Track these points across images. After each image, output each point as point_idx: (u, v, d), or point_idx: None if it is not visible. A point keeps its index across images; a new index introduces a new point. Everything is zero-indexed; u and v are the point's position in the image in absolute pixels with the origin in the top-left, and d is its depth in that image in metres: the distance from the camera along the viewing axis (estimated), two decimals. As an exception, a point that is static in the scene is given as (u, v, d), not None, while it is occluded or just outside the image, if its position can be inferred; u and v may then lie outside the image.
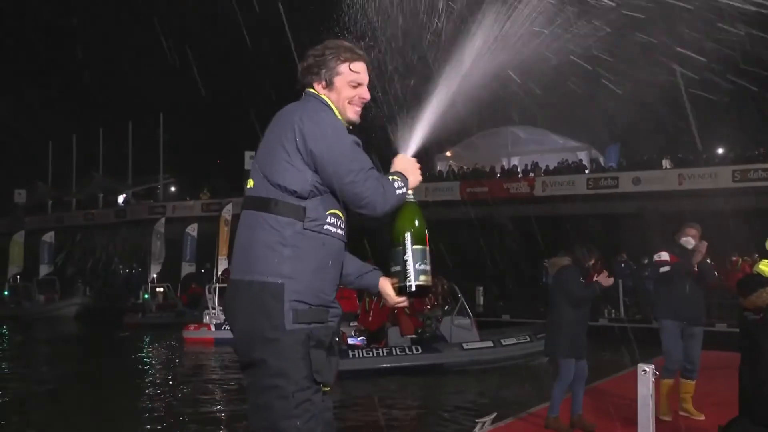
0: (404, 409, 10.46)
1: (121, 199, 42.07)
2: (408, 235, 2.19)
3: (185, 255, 25.70)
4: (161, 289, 25.26)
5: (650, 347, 12.61)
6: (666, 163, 25.78)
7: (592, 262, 6.16)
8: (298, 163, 2.03)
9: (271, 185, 2.06)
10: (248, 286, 2.04)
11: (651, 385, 3.40)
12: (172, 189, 41.57)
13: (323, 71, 2.20)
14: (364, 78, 2.25)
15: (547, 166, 28.15)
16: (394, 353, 12.29)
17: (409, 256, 2.18)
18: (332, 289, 2.14)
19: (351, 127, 2.22)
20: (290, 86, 2.42)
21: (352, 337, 13.11)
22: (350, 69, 2.20)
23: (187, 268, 25.72)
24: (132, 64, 59.65)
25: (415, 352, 12.39)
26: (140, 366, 15.57)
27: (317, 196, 2.06)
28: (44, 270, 29.93)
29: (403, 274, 2.18)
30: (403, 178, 2.20)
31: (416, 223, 2.21)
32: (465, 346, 12.65)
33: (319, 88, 2.22)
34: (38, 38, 68.44)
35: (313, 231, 2.05)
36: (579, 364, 5.90)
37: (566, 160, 28.71)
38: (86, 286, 29.51)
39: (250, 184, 2.14)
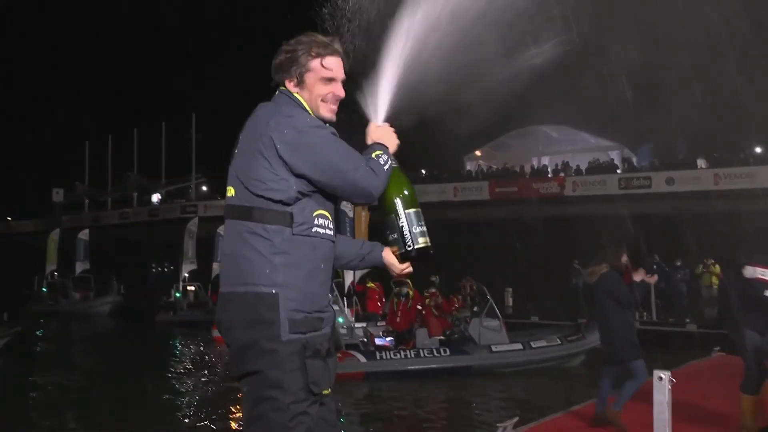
0: (429, 411, 10.41)
1: (154, 198, 42.84)
2: (399, 201, 2.19)
3: (216, 255, 26.00)
4: (192, 288, 25.58)
5: (682, 351, 12.38)
6: (701, 162, 25.23)
7: (624, 260, 6.17)
8: (280, 171, 1.97)
9: (255, 195, 1.99)
10: (242, 297, 1.99)
11: (667, 392, 3.31)
12: (204, 188, 42.15)
13: (294, 68, 2.10)
14: (339, 74, 2.14)
15: (577, 165, 27.78)
16: (422, 355, 12.22)
17: (404, 222, 2.19)
18: (326, 293, 2.10)
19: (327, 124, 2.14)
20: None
21: (379, 337, 13.09)
22: (322, 65, 2.10)
23: (218, 269, 26.00)
24: (165, 65, 60.64)
25: (443, 353, 12.30)
26: (171, 364, 15.81)
27: (302, 199, 2.01)
28: (80, 267, 30.57)
29: (402, 241, 2.19)
30: (384, 149, 2.14)
31: (404, 187, 2.20)
32: (494, 348, 12.50)
33: (290, 86, 2.13)
34: (75, 42, 70.07)
35: (303, 235, 2.01)
36: (618, 367, 6.07)
37: (597, 159, 28.30)
38: (120, 283, 30.07)
39: (231, 192, 2.07)
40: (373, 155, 2.10)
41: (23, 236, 44.93)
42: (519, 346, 12.73)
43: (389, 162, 2.12)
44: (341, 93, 2.16)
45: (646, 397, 6.44)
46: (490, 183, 28.50)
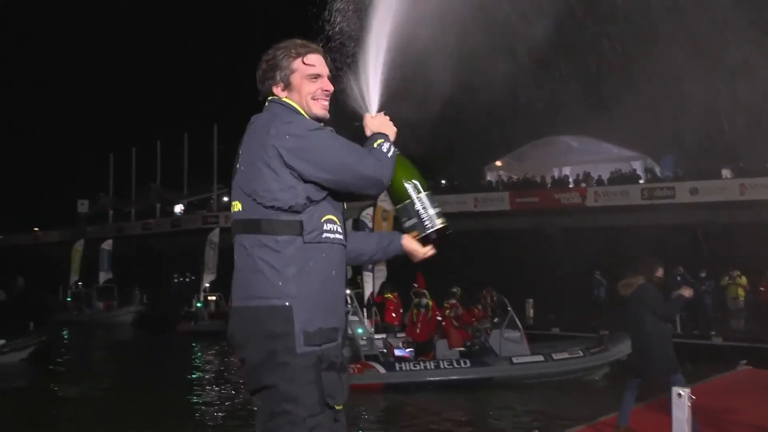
0: (449, 423, 10.34)
1: (177, 209, 43.33)
2: (411, 187, 2.21)
3: (237, 265, 26.16)
4: (213, 298, 25.74)
5: (708, 365, 12.15)
6: (726, 172, 24.85)
7: (659, 274, 6.10)
8: (287, 179, 1.97)
9: (264, 207, 1.98)
10: (253, 311, 1.97)
11: (687, 410, 3.25)
12: (225, 199, 42.56)
13: (278, 73, 2.12)
14: (322, 69, 2.16)
15: (599, 176, 27.55)
16: (442, 366, 12.15)
17: (419, 205, 2.20)
18: (340, 301, 2.08)
19: (323, 123, 2.15)
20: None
21: (399, 349, 13.05)
22: (304, 63, 2.12)
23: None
24: (187, 78, 61.55)
25: (463, 365, 12.22)
26: (191, 374, 15.91)
27: (310, 206, 2.00)
28: (103, 277, 30.97)
29: (421, 224, 2.20)
30: (384, 137, 2.16)
31: (412, 172, 2.22)
32: (515, 360, 12.38)
33: (278, 92, 2.14)
34: (99, 56, 71.44)
35: (314, 242, 2.00)
36: (642, 380, 6.01)
37: (619, 169, 28.04)
38: (143, 293, 30.38)
39: (237, 207, 2.06)
40: (375, 145, 2.11)
41: (49, 246, 45.70)
42: (540, 357, 12.60)
43: (391, 149, 2.13)
44: (330, 87, 2.17)
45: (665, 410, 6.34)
46: (511, 193, 28.36)
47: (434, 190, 2.28)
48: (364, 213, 16.16)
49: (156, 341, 23.11)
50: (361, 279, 15.38)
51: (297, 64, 2.12)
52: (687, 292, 5.95)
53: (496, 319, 13.87)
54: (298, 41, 2.16)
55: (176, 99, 57.21)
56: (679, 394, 3.20)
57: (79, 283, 31.74)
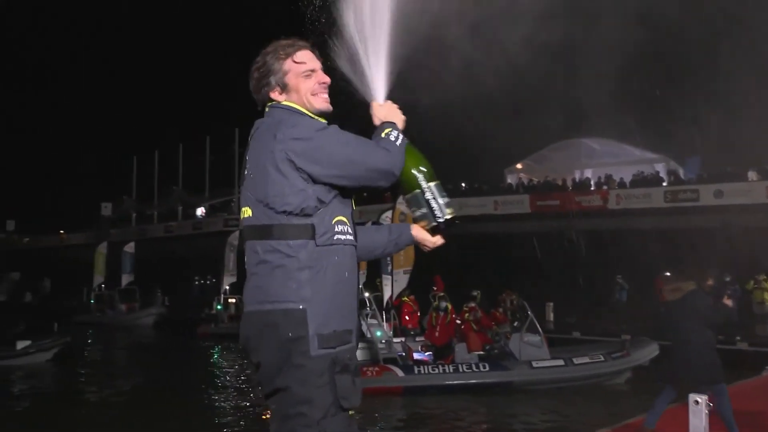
0: (467, 427, 10.28)
1: (199, 212, 43.72)
2: (420, 176, 2.20)
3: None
4: (233, 301, 25.85)
5: (733, 370, 11.93)
6: (752, 174, 24.42)
7: (710, 283, 6.02)
8: (297, 182, 1.96)
9: (275, 212, 1.98)
10: (267, 315, 1.97)
11: (704, 417, 3.17)
12: (246, 203, 42.78)
13: (272, 78, 2.11)
14: (314, 64, 2.14)
15: (621, 178, 27.23)
16: (461, 370, 12.10)
17: (429, 195, 2.20)
18: (353, 303, 2.07)
19: (327, 120, 2.13)
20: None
21: (418, 352, 13.02)
22: (295, 62, 2.11)
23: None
24: (209, 82, 62.18)
25: (482, 369, 12.15)
26: (212, 377, 16.01)
27: (320, 208, 2.00)
28: (126, 279, 31.31)
29: (431, 214, 2.21)
30: (392, 125, 2.14)
31: (421, 162, 2.21)
32: (535, 364, 12.27)
33: (276, 96, 2.13)
34: (123, 61, 72.53)
35: (326, 245, 1.99)
36: (673, 388, 5.98)
37: (642, 172, 27.70)
38: (164, 296, 30.63)
39: (247, 213, 2.05)
40: (383, 135, 2.10)
41: (74, 248, 46.39)
42: (561, 362, 12.47)
43: (400, 137, 2.11)
44: (326, 79, 2.16)
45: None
46: (531, 196, 28.15)
47: (455, 193, 2.26)
48: (383, 216, 16.15)
49: (176, 343, 23.30)
50: (381, 282, 15.37)
51: (288, 64, 2.11)
52: (730, 303, 5.88)
53: (515, 323, 13.76)
54: (283, 41, 2.15)
55: (199, 102, 57.86)
56: (696, 401, 3.13)
57: (102, 286, 32.15)
